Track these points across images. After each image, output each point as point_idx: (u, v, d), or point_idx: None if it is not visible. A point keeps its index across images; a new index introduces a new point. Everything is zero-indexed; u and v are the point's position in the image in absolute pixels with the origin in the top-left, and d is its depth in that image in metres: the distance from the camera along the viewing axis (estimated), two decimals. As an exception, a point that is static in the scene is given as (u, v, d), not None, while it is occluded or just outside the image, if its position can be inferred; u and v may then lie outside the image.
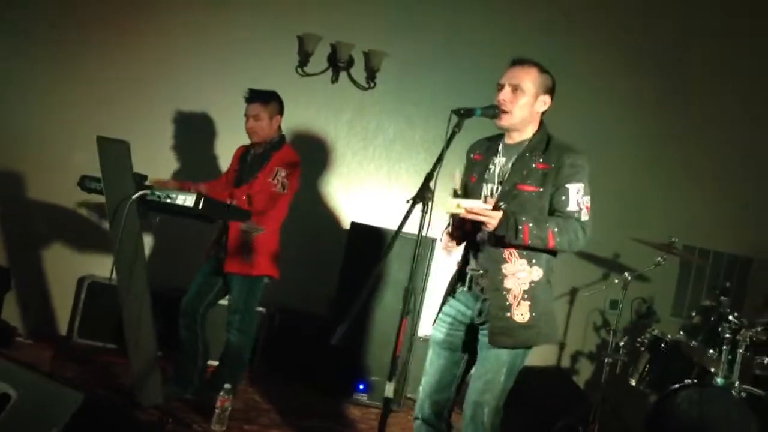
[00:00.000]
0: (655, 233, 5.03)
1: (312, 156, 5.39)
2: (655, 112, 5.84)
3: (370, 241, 4.79)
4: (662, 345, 4.61)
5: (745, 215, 5.82)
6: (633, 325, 5.45)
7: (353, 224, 5.03)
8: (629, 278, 4.82)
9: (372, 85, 5.46)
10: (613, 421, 4.82)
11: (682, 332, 4.57)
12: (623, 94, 5.80)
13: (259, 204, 4.01)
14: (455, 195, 2.91)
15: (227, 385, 3.79)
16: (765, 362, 4.31)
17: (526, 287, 2.84)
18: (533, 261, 2.84)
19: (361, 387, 4.76)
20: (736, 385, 4.15)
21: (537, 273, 2.85)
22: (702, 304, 4.61)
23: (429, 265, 4.57)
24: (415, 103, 5.58)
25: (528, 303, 2.83)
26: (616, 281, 4.97)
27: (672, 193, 5.82)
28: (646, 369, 4.65)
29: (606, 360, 4.82)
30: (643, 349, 4.73)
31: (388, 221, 4.82)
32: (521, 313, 2.82)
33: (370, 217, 5.09)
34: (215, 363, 4.23)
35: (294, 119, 5.14)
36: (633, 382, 4.68)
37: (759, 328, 4.24)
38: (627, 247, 5.44)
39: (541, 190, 2.84)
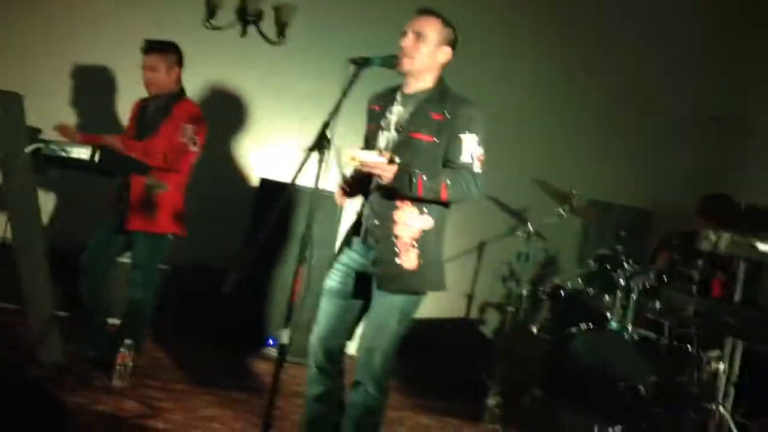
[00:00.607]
0: (564, 187, 5.17)
1: (221, 112, 5.33)
2: (563, 66, 5.98)
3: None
4: (562, 293, 4.79)
5: (646, 170, 6.06)
6: (538, 275, 5.63)
7: (263, 180, 5.02)
8: (532, 230, 4.96)
9: (282, 39, 5.41)
10: (516, 368, 5.00)
11: (580, 280, 4.75)
12: (533, 47, 5.92)
13: (169, 161, 3.95)
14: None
15: (129, 341, 3.77)
16: (657, 307, 4.52)
17: (416, 235, 2.90)
18: (424, 210, 2.91)
19: (270, 342, 4.80)
20: (629, 328, 4.36)
21: (428, 222, 2.92)
22: (599, 253, 4.80)
23: (337, 218, 4.62)
24: (328, 59, 5.52)
25: (417, 251, 2.90)
26: (521, 234, 5.13)
27: (581, 148, 6.00)
28: (547, 317, 4.85)
29: (509, 309, 4.99)
30: (544, 297, 4.91)
31: (299, 178, 4.81)
32: (410, 260, 2.89)
33: (281, 174, 5.08)
34: (118, 321, 4.19)
35: (202, 74, 5.07)
36: (535, 330, 4.86)
37: (651, 275, 4.44)
38: (536, 200, 5.58)
39: (435, 140, 2.89)
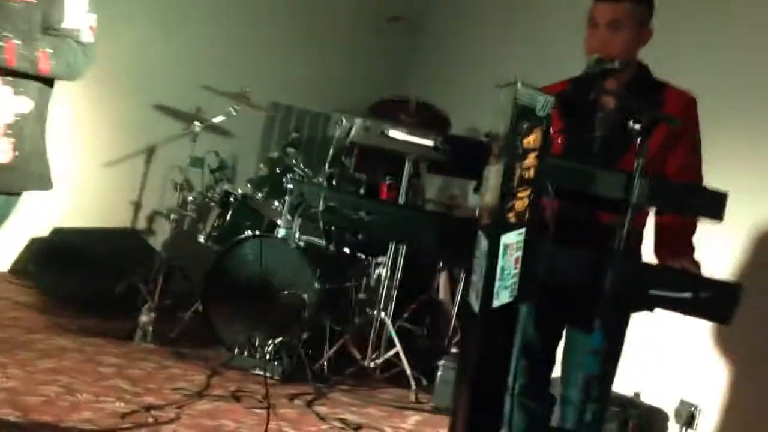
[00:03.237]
0: (238, 86, 4.74)
1: None
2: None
3: None
4: (231, 200, 4.42)
5: (330, 73, 5.82)
6: (214, 181, 5.18)
7: None
8: (198, 130, 4.48)
9: None
10: (179, 279, 4.59)
11: (249, 185, 4.41)
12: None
13: None
14: None
15: None
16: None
17: (10, 120, 2.30)
18: (20, 89, 2.30)
19: None
20: (296, 235, 4.10)
21: (25, 104, 2.32)
22: (269, 156, 4.48)
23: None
24: None
25: (11, 140, 2.30)
26: (192, 135, 4.62)
27: (262, 49, 5.57)
28: (216, 225, 4.46)
29: (172, 217, 4.52)
30: (213, 204, 4.51)
31: None
32: (2, 151, 2.29)
33: None
34: None
35: None
36: (202, 239, 4.45)
37: (321, 179, 4.22)
38: (210, 100, 5.10)
39: (33, 0, 2.29)
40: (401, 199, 4.00)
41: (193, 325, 4.12)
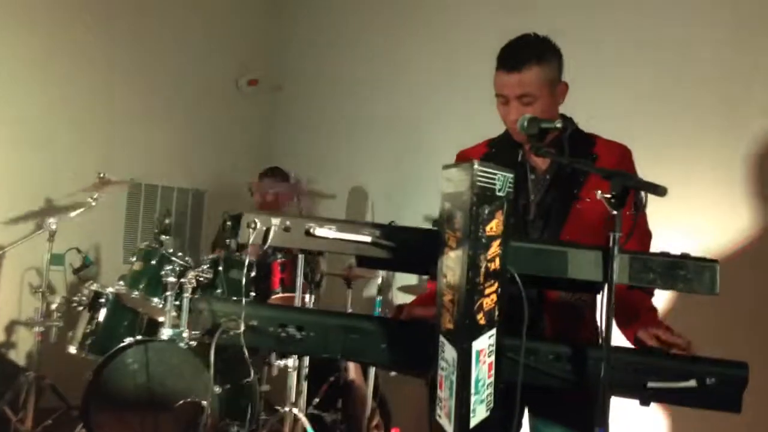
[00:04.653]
0: (92, 170, 4.26)
1: None
2: (97, 47, 5.01)
3: None
4: (102, 301, 3.91)
5: (196, 146, 5.42)
6: (79, 281, 4.62)
7: None
8: (53, 226, 3.94)
9: None
10: (53, 400, 4.00)
11: (122, 282, 3.91)
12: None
13: None
14: None
15: None
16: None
17: None
18: None
19: None
20: (185, 334, 3.65)
21: None
22: (141, 248, 4.00)
23: None
24: None
25: None
26: (48, 233, 4.07)
27: (118, 130, 5.09)
28: (87, 331, 3.92)
29: (37, 329, 3.93)
30: (81, 308, 3.97)
31: None
32: None
33: None
34: None
35: None
36: (73, 350, 3.90)
37: (205, 266, 3.79)
38: (63, 188, 4.58)
39: None
40: (298, 280, 3.64)
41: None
